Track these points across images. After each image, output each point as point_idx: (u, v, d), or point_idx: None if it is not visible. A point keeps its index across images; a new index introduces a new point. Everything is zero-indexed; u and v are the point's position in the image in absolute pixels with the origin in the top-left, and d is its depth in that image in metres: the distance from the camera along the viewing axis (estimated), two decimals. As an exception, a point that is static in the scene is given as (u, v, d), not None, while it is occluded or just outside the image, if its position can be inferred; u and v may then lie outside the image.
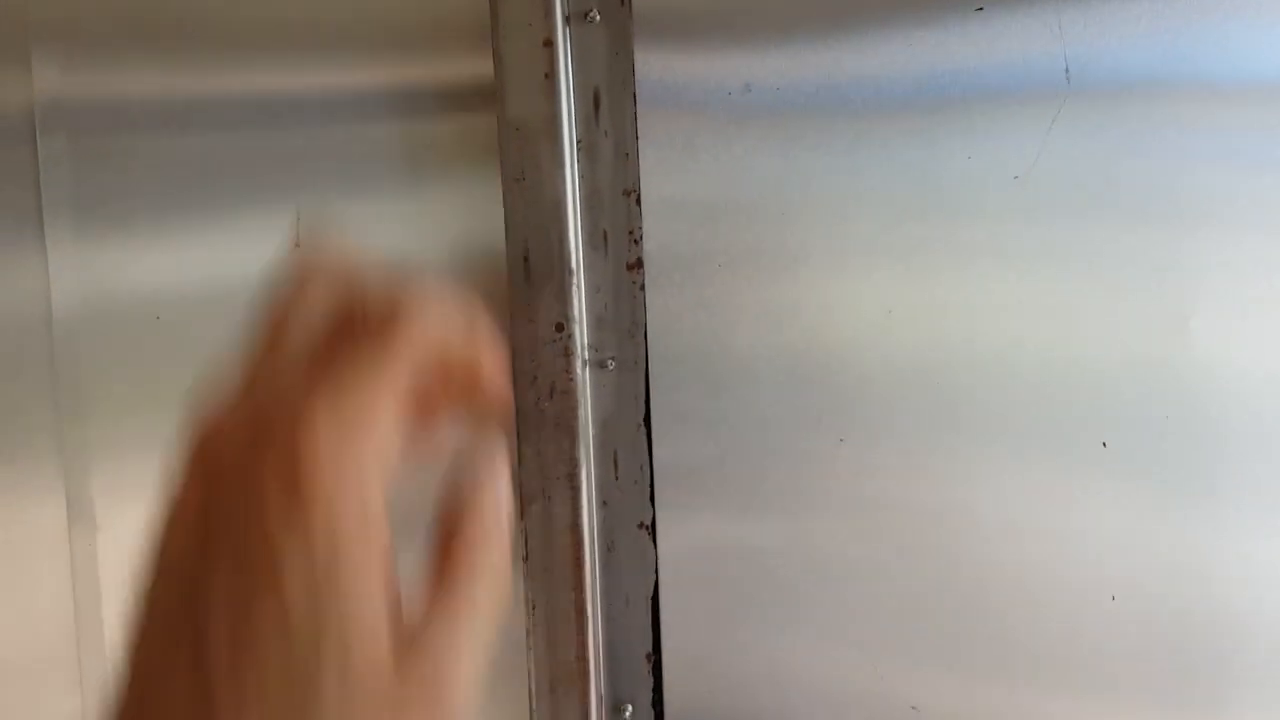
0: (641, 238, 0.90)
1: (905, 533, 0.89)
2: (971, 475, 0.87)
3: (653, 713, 0.92)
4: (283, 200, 0.96)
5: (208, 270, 0.98)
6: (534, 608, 0.89)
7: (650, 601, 0.92)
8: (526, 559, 0.88)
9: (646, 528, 0.92)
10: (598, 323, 0.90)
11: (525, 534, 0.88)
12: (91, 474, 1.01)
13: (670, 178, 0.88)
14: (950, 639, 0.89)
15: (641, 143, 0.88)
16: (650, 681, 0.92)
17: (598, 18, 0.87)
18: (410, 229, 0.93)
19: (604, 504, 0.91)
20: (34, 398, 1.01)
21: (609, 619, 0.91)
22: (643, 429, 0.91)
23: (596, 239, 0.89)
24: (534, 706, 0.89)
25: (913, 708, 0.90)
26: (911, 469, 0.88)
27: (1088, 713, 0.88)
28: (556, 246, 0.86)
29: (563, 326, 0.86)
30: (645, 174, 0.88)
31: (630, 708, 0.92)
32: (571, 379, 0.87)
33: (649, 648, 0.92)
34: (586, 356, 0.89)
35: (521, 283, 0.85)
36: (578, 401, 0.88)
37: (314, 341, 0.33)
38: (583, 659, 0.88)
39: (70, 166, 1.01)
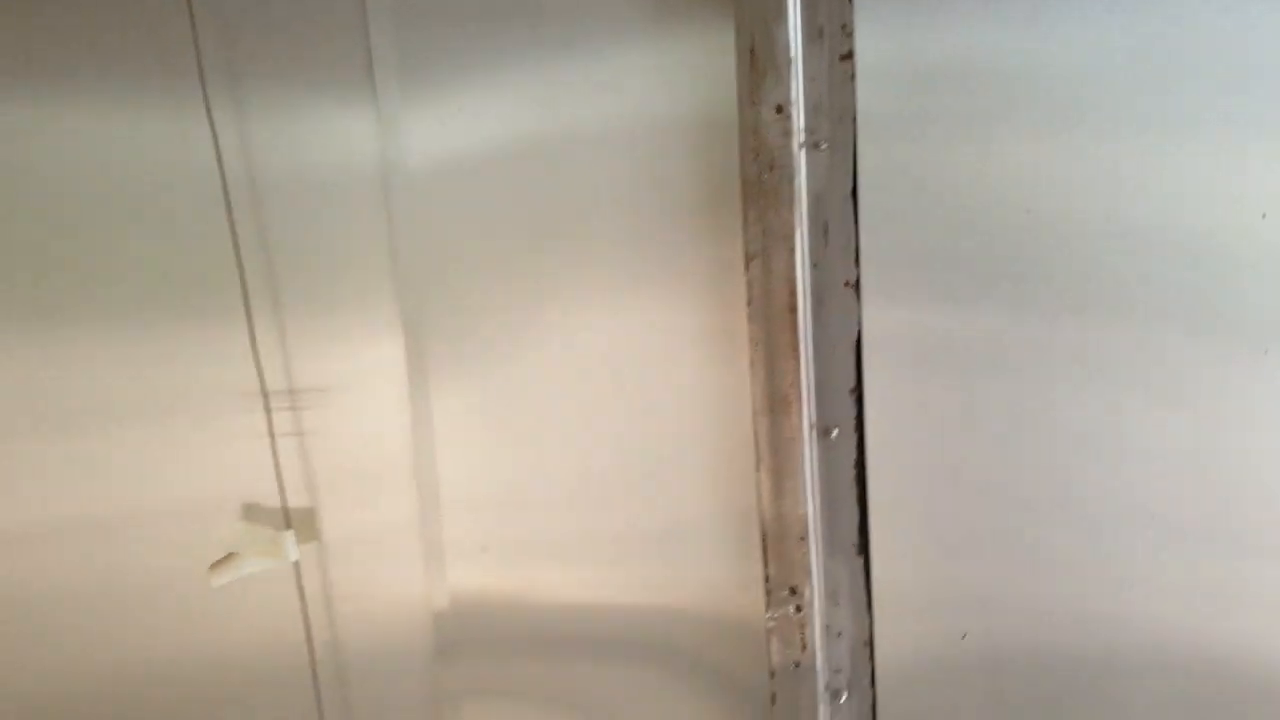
0: (853, 32, 1.04)
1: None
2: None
3: (855, 436, 1.12)
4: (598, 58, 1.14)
5: (529, 127, 1.17)
6: (756, 344, 1.09)
7: (855, 346, 1.11)
8: (750, 304, 1.09)
9: (851, 285, 1.10)
10: (814, 108, 1.06)
11: (749, 284, 1.08)
12: (428, 326, 1.24)
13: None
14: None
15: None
16: (854, 410, 1.12)
17: None
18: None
19: (815, 265, 1.09)
20: (372, 247, 1.23)
21: (819, 360, 1.10)
22: (849, 201, 1.08)
23: (813, 33, 1.04)
24: (755, 425, 1.11)
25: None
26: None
27: None
28: (779, 39, 1.02)
29: (782, 109, 1.03)
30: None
31: (837, 430, 1.12)
32: (789, 156, 1.04)
33: (852, 384, 1.11)
34: (803, 138, 1.06)
35: (747, 71, 1.02)
36: (794, 175, 1.05)
37: None
38: (795, 387, 1.09)
39: (396, 27, 1.21)
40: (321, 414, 1.26)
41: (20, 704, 1.45)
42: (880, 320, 1.10)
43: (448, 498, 1.26)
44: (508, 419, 1.23)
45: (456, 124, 1.18)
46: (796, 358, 1.09)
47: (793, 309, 1.08)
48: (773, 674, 1.17)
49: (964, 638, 1.15)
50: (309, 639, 1.29)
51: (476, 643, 1.29)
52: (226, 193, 1.23)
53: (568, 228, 1.17)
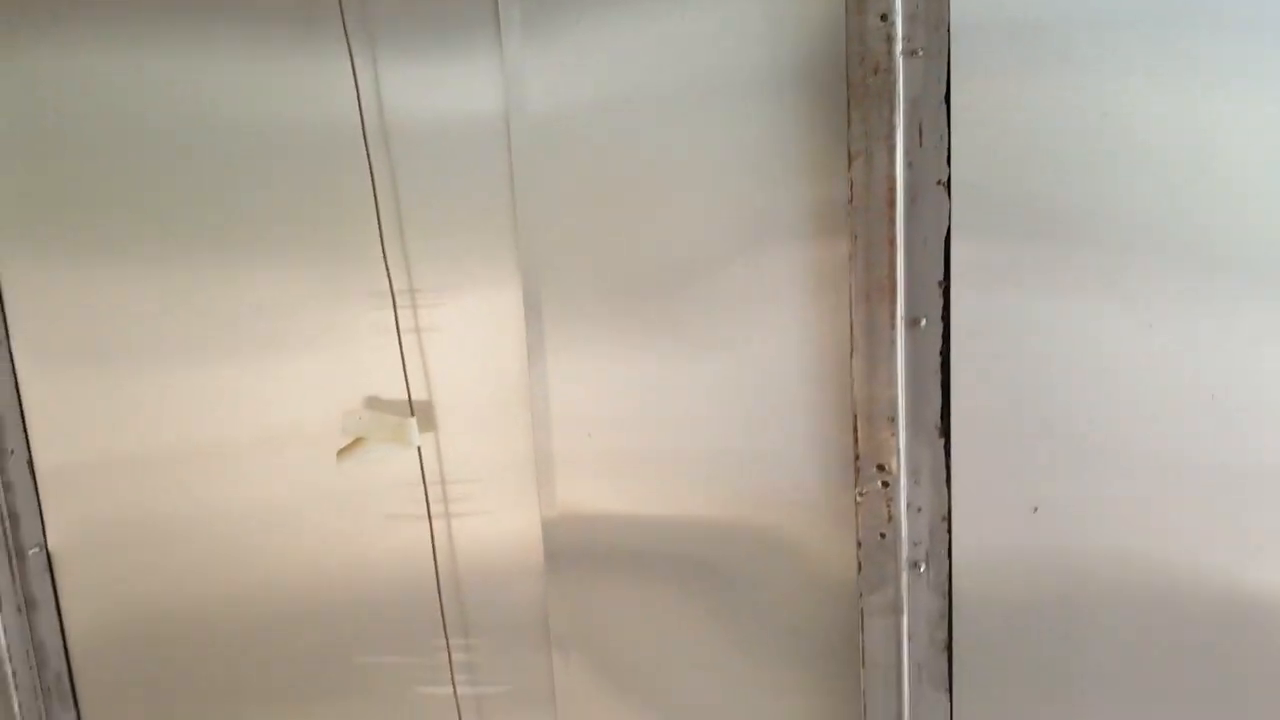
0: (949, -54, 1.13)
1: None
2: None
3: (942, 325, 1.22)
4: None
5: (645, 64, 1.26)
6: (856, 237, 1.19)
7: (944, 242, 1.21)
8: (851, 200, 1.19)
9: (943, 184, 1.19)
10: (911, 18, 1.15)
11: (852, 182, 1.18)
12: (543, 250, 1.32)
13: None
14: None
15: None
16: (941, 302, 1.22)
17: None
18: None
19: (910, 165, 1.19)
20: (493, 189, 1.32)
21: (910, 253, 1.20)
22: (943, 106, 1.17)
23: (913, -53, 1.13)
24: (853, 311, 1.21)
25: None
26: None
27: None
28: (882, -48, 1.12)
29: (886, 17, 1.13)
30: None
31: (925, 320, 1.22)
32: (891, 60, 1.14)
33: (940, 276, 1.21)
34: (902, 46, 1.15)
35: (856, -20, 1.12)
36: (895, 79, 1.15)
37: None
38: (891, 277, 1.19)
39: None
40: (438, 315, 1.35)
41: (135, 602, 1.55)
42: (966, 218, 1.19)
43: (558, 411, 1.35)
44: (616, 337, 1.33)
45: (575, 69, 1.26)
46: (892, 250, 1.19)
47: (891, 204, 1.17)
48: (860, 544, 1.28)
49: (1035, 511, 1.26)
50: (429, 522, 1.39)
51: (583, 549, 1.39)
52: (364, 130, 1.31)
53: (677, 155, 1.26)
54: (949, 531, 1.28)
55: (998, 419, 1.24)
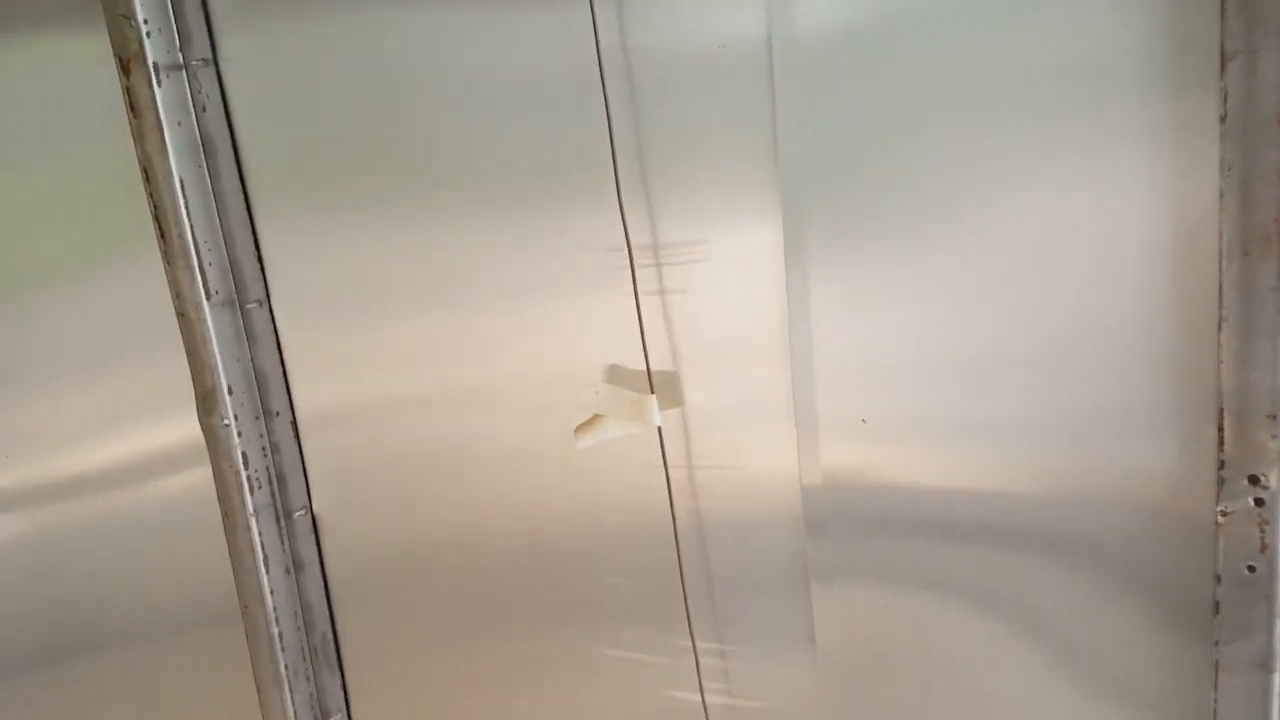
0: None
1: None
2: None
3: (1351, 290, 0.89)
4: None
5: None
6: (1229, 168, 0.88)
7: (1360, 174, 0.87)
8: (1224, 119, 0.88)
9: (1362, 94, 0.86)
10: None
11: (1224, 92, 0.87)
12: (809, 199, 1.11)
13: None
14: None
15: None
16: (1353, 257, 0.88)
17: None
18: None
19: (1312, 66, 0.86)
20: (753, 120, 1.12)
21: (1310, 189, 0.88)
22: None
23: None
24: (1223, 269, 0.90)
25: None
26: None
27: None
28: None
29: None
30: None
31: (1326, 282, 0.89)
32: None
33: (1353, 223, 0.88)
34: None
35: None
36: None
37: None
38: (1279, 222, 0.87)
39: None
40: (687, 275, 1.18)
41: (394, 559, 1.50)
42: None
43: (822, 369, 1.14)
44: (895, 293, 1.09)
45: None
46: (1282, 185, 0.87)
47: (1282, 121, 0.86)
48: (1219, 579, 0.97)
49: None
50: (672, 507, 1.23)
51: (849, 520, 1.17)
52: (601, 67, 1.16)
53: (976, 92, 1.01)
54: (1349, 568, 0.94)
55: None
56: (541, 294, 1.27)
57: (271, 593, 1.55)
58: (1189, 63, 0.91)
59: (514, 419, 1.33)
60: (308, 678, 1.61)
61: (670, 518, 1.24)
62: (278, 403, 1.50)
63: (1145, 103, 0.94)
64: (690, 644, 1.29)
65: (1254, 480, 0.93)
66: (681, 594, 1.27)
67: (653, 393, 1.18)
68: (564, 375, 1.27)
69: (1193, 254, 0.94)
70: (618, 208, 1.17)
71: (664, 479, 1.23)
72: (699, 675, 1.29)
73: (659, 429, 1.19)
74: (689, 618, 1.28)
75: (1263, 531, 0.94)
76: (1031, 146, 1.01)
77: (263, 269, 1.44)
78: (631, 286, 1.18)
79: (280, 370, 1.48)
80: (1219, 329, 0.92)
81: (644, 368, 1.20)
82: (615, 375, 1.22)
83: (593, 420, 1.21)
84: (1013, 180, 1.01)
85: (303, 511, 1.55)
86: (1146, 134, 0.94)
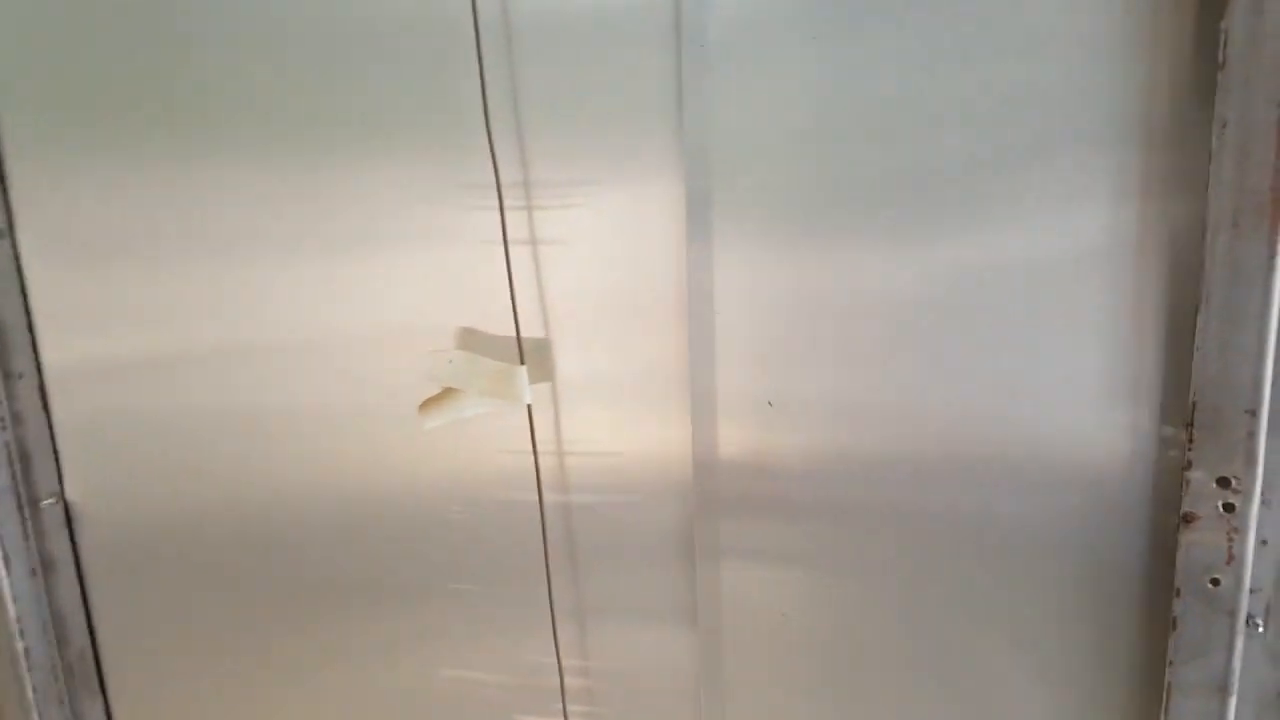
0: None
1: None
2: None
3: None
4: None
5: None
6: (1225, 125, 0.76)
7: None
8: (1223, 67, 0.75)
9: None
10: None
11: (1225, 36, 0.74)
12: (713, 168, 0.94)
13: None
14: None
15: None
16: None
17: None
18: None
19: (1320, 12, 0.74)
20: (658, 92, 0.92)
21: (1306, 153, 0.76)
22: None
23: None
24: (1209, 240, 0.78)
25: None
26: None
27: None
28: None
29: None
30: None
31: (1314, 261, 0.78)
32: None
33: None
34: None
35: None
36: None
37: None
38: (1277, 188, 0.75)
39: None
40: (567, 222, 0.96)
41: (167, 556, 1.22)
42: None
43: (724, 346, 0.95)
44: (808, 270, 0.92)
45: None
46: (1286, 143, 0.75)
47: (1290, 70, 0.73)
48: (1178, 592, 0.86)
49: None
50: (540, 493, 1.01)
51: (740, 502, 0.99)
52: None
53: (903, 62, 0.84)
54: (1304, 576, 0.85)
55: None
56: (374, 244, 1.02)
57: (14, 600, 1.24)
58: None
59: (326, 388, 1.08)
60: (61, 701, 1.32)
61: (539, 508, 1.03)
62: (20, 362, 1.18)
63: (1123, 51, 0.80)
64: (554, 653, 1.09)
65: (1224, 483, 0.82)
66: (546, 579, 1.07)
67: (523, 363, 0.96)
68: (395, 339, 1.03)
69: (1174, 222, 0.82)
70: (482, 143, 0.93)
71: (524, 463, 1.01)
72: (558, 654, 1.09)
73: (529, 407, 0.97)
74: (554, 630, 1.08)
75: (1230, 541, 0.83)
76: (953, 116, 0.86)
77: (5, 191, 1.12)
78: (500, 234, 0.95)
79: (25, 320, 1.17)
80: (1198, 310, 0.80)
81: (510, 333, 0.98)
82: (471, 341, 0.99)
83: (444, 395, 0.98)
84: (936, 152, 0.86)
85: (53, 499, 1.25)
86: (1123, 87, 0.81)
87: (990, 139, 0.86)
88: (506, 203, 0.95)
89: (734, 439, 0.98)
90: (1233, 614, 0.84)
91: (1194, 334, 0.81)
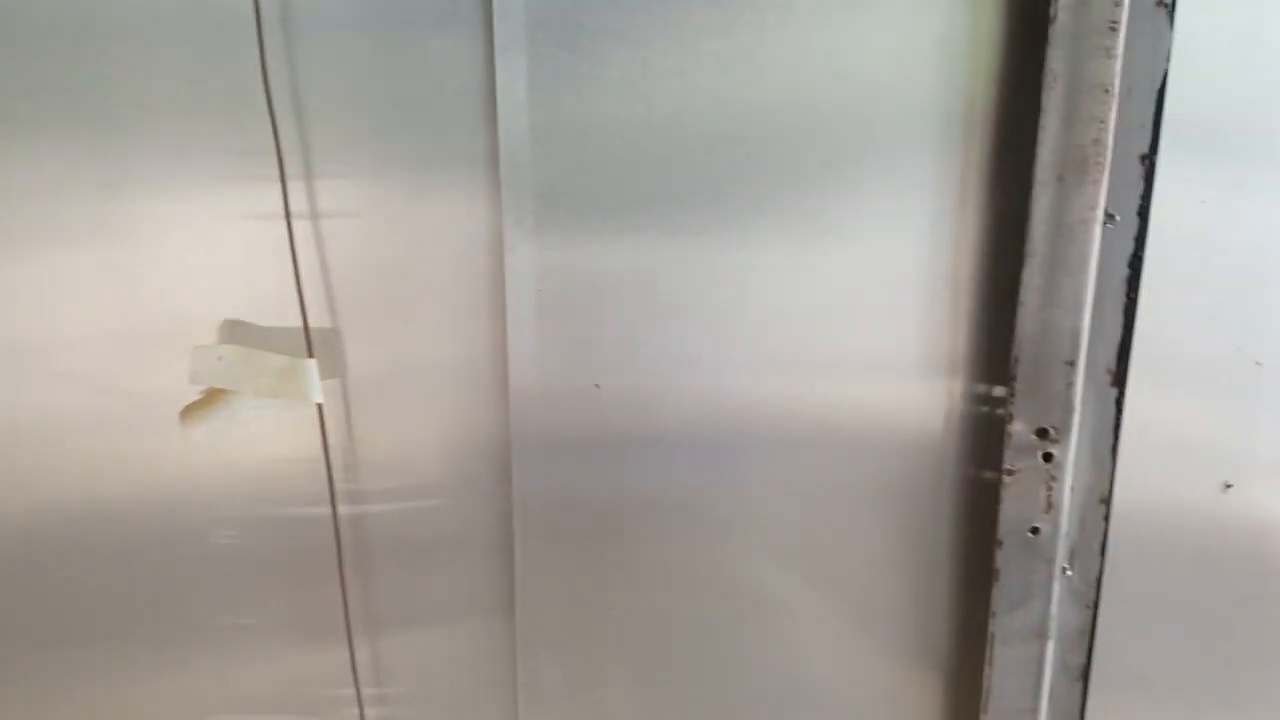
0: None
1: None
2: None
3: (1138, 223, 0.82)
4: None
5: None
6: (1055, 80, 0.76)
7: (1157, 93, 0.79)
8: (1053, 20, 0.74)
9: (1165, 5, 0.77)
10: None
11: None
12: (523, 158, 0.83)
13: None
14: None
15: None
16: (1141, 186, 0.81)
17: None
18: None
19: (1125, -23, 0.76)
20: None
21: (1123, 109, 0.78)
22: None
23: None
24: (1034, 197, 0.78)
25: None
26: None
27: None
28: None
29: None
30: None
31: (1119, 215, 0.81)
32: None
33: (1145, 148, 0.80)
34: None
35: None
36: None
37: None
38: (1100, 144, 0.76)
39: None
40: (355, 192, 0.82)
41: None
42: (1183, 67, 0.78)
43: (548, 329, 0.86)
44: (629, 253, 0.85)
45: None
46: (1108, 101, 0.76)
47: (1114, 27, 0.74)
48: (1000, 544, 0.88)
49: (1227, 489, 0.90)
50: (334, 504, 0.88)
51: (560, 488, 0.92)
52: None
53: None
54: (1106, 519, 0.89)
55: (1201, 360, 0.86)
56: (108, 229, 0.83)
57: None
58: None
59: (47, 396, 0.88)
60: None
61: (332, 521, 0.89)
62: None
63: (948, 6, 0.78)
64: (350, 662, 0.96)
65: (1043, 434, 0.84)
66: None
67: (311, 356, 0.81)
68: (142, 337, 0.85)
69: (991, 182, 0.81)
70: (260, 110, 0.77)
71: (309, 471, 0.88)
72: (353, 661, 0.97)
73: (319, 406, 0.83)
74: (350, 643, 0.95)
75: (1050, 490, 0.85)
76: (797, 61, 0.81)
77: None
78: (281, 206, 0.79)
79: None
80: (1023, 265, 0.80)
81: (283, 324, 0.83)
82: (239, 334, 0.83)
83: (212, 398, 0.82)
84: (759, 121, 0.81)
85: None
86: (947, 40, 0.79)
87: (809, 101, 0.81)
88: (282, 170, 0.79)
89: (558, 425, 0.89)
90: (1050, 560, 0.87)
91: (1017, 294, 0.81)
